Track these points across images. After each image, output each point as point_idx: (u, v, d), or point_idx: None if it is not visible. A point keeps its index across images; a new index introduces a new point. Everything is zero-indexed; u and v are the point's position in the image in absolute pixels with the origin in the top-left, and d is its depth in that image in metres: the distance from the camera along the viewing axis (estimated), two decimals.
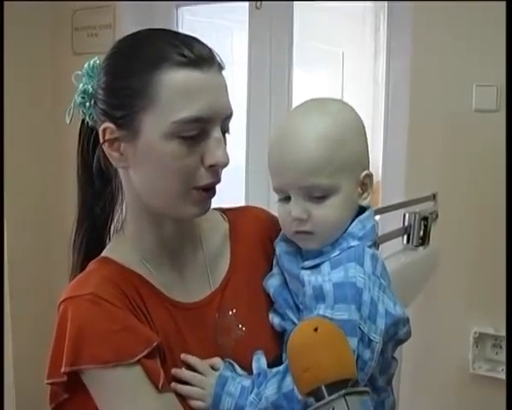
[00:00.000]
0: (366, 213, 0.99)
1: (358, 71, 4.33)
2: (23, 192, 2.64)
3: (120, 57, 0.95)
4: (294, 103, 2.42)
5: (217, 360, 0.98)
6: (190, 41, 0.93)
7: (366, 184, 0.99)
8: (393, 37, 2.18)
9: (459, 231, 2.01)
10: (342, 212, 0.96)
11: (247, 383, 0.95)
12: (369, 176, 0.99)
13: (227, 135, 0.97)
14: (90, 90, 0.97)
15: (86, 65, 0.99)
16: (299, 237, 0.98)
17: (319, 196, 0.95)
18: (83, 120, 1.01)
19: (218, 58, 0.95)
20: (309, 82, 3.82)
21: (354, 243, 0.96)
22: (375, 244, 1.01)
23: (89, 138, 1.00)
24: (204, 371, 0.96)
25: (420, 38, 2.03)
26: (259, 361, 0.99)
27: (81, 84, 0.98)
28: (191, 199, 0.94)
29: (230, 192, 2.67)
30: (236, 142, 2.50)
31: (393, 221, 1.66)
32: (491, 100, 1.82)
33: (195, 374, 0.96)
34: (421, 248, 1.63)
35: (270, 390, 0.92)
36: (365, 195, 0.99)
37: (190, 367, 0.96)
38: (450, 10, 1.96)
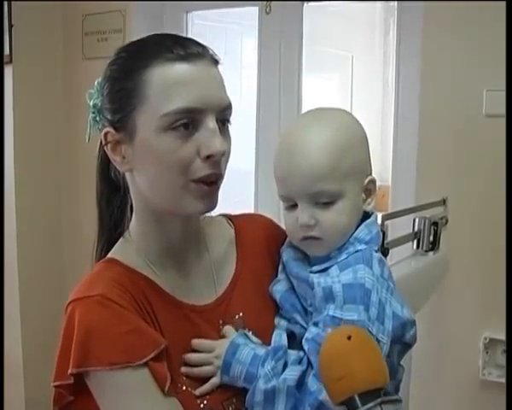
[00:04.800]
0: (371, 219, 1.01)
1: (368, 75, 4.33)
2: (35, 194, 2.65)
3: (119, 62, 0.97)
4: (304, 108, 2.42)
5: (229, 329, 1.00)
6: (184, 40, 0.95)
7: (370, 189, 1.01)
8: (403, 41, 2.17)
9: (469, 236, 2.00)
10: (348, 217, 0.98)
11: (260, 351, 0.96)
12: (373, 181, 1.01)
13: (229, 126, 0.98)
14: (99, 103, 0.99)
15: (96, 82, 1.00)
16: (306, 243, 0.99)
17: (326, 201, 0.96)
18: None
19: (211, 53, 0.96)
20: (319, 86, 3.82)
21: (361, 247, 0.97)
22: (379, 249, 1.02)
23: (105, 153, 1.01)
24: (212, 349, 0.97)
25: (430, 42, 2.03)
26: (281, 336, 0.99)
27: (92, 101, 1.00)
28: (191, 193, 0.93)
29: (240, 196, 2.68)
30: (246, 146, 2.51)
31: (403, 226, 1.65)
32: (501, 105, 1.81)
33: (203, 354, 0.96)
34: (431, 253, 1.62)
35: (290, 375, 0.92)
36: (369, 200, 1.01)
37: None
38: (460, 15, 1.95)
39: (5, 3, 2.44)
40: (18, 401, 2.59)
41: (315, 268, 0.98)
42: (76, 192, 2.66)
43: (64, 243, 2.75)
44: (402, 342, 0.98)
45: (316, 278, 0.95)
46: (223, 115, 0.95)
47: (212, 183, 0.95)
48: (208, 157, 0.92)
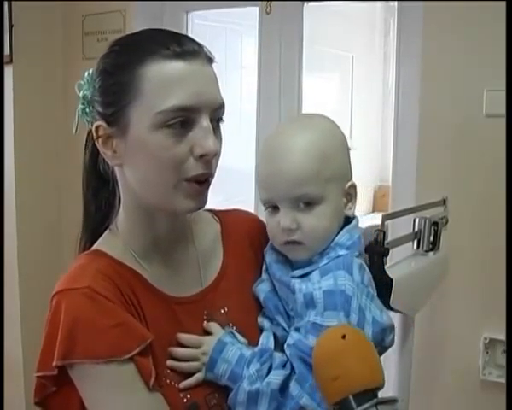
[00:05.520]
0: (353, 223, 1.02)
1: (368, 75, 4.34)
2: (35, 194, 2.65)
3: (112, 55, 0.97)
4: (304, 107, 2.42)
5: (215, 326, 1.00)
6: (179, 37, 0.95)
7: (351, 194, 1.02)
8: (403, 40, 2.17)
9: (469, 236, 2.00)
10: (330, 221, 0.99)
11: (246, 352, 0.96)
12: (354, 186, 1.02)
13: (222, 125, 0.98)
14: (89, 95, 0.99)
15: (86, 73, 1.00)
16: (288, 247, 1.00)
17: (308, 204, 0.97)
18: (89, 130, 1.02)
19: (206, 51, 0.96)
20: (319, 86, 3.83)
21: (342, 252, 0.98)
22: (361, 254, 1.03)
23: (94, 146, 1.01)
24: (199, 345, 0.97)
25: (430, 42, 2.03)
26: (268, 339, 1.00)
27: (81, 92, 1.00)
28: (183, 191, 0.94)
29: (240, 196, 2.68)
30: (246, 146, 2.51)
31: (403, 226, 1.65)
32: (501, 105, 1.81)
33: (190, 350, 0.97)
34: (431, 253, 1.62)
35: (274, 379, 0.92)
36: (350, 205, 1.02)
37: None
38: (460, 15, 1.95)
39: (5, 3, 2.44)
40: (18, 400, 2.58)
41: (296, 272, 0.99)
42: (76, 192, 2.64)
43: (64, 243, 2.74)
44: (381, 345, 0.99)
45: (297, 284, 0.96)
46: (216, 114, 0.95)
47: (202, 182, 0.95)
48: (201, 156, 0.92)
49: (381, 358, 0.94)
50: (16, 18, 2.46)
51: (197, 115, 0.92)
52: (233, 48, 3.29)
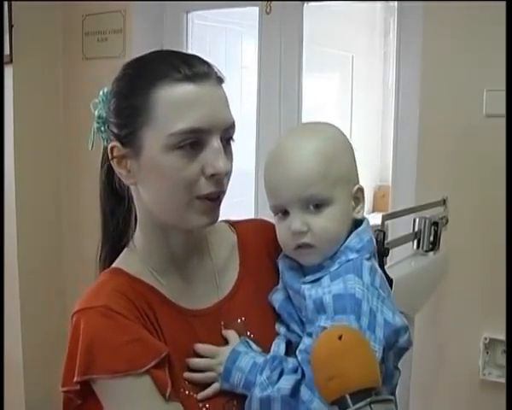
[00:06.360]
0: (362, 226, 1.03)
1: (368, 75, 4.33)
2: (35, 194, 2.65)
3: (126, 78, 0.99)
4: (304, 107, 2.43)
5: (232, 334, 1.02)
6: (190, 59, 0.97)
7: (358, 197, 1.03)
8: (403, 40, 2.18)
9: (469, 237, 2.00)
10: (339, 223, 1.00)
11: (259, 359, 0.98)
12: (361, 190, 1.03)
13: (232, 143, 1.00)
14: (104, 114, 1.01)
15: (101, 92, 1.02)
16: (299, 252, 1.01)
17: (317, 205, 0.98)
18: (105, 148, 1.04)
19: (216, 72, 0.98)
20: (319, 86, 3.83)
21: (352, 256, 0.99)
22: (374, 256, 1.03)
23: (109, 164, 1.03)
24: (215, 355, 0.99)
25: (430, 42, 2.03)
26: (279, 346, 1.01)
27: (97, 111, 1.02)
28: (195, 208, 0.96)
29: (240, 196, 2.68)
30: (246, 147, 2.51)
31: (404, 226, 1.65)
32: (501, 105, 1.81)
33: (206, 360, 0.98)
34: (431, 253, 1.63)
35: (284, 384, 0.93)
36: (358, 208, 1.03)
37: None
38: (460, 15, 1.96)
39: (5, 3, 2.44)
40: (18, 401, 2.59)
41: (307, 278, 0.99)
42: (76, 192, 2.66)
43: (64, 243, 2.75)
44: (396, 347, 0.99)
45: (307, 290, 0.97)
46: (227, 134, 0.98)
47: (214, 198, 0.97)
48: (212, 176, 0.94)
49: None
50: (16, 18, 2.47)
51: (208, 136, 0.94)
52: (233, 48, 3.29)
